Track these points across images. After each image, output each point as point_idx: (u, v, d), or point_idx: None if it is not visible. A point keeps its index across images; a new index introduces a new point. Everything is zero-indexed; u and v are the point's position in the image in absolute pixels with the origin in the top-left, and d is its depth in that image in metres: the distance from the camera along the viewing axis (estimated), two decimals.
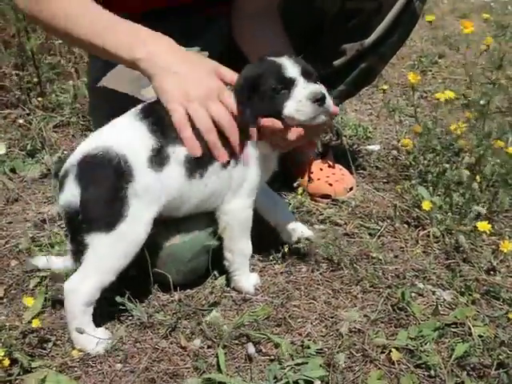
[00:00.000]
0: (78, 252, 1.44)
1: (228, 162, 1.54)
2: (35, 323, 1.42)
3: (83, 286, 1.43)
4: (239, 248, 1.64)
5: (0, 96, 2.72)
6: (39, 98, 2.71)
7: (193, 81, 1.50)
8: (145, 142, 1.46)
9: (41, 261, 1.66)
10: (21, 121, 2.55)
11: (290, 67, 1.52)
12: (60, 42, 3.03)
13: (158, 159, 1.46)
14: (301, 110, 1.49)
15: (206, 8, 1.86)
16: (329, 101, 1.50)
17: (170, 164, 1.47)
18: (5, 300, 1.64)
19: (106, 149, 1.42)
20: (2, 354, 1.32)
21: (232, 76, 1.53)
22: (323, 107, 1.49)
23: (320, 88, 1.51)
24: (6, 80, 2.70)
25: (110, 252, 1.44)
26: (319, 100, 1.48)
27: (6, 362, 1.34)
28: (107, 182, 1.40)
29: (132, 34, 1.52)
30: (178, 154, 1.48)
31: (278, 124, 1.49)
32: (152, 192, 1.45)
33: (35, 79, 2.78)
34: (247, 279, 1.67)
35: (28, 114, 2.58)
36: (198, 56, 1.60)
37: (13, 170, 2.28)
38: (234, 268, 1.66)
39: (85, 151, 1.44)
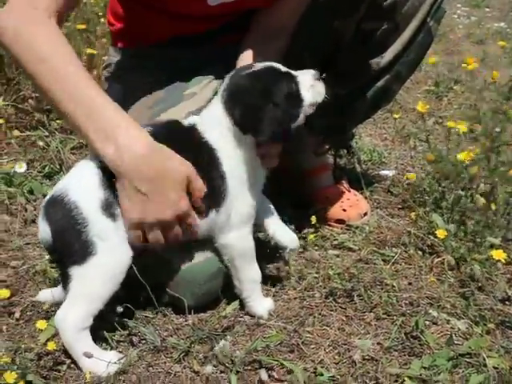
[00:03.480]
0: (66, 282, 1.48)
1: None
2: (51, 346, 1.42)
3: (71, 315, 1.45)
4: (247, 276, 1.65)
5: (20, 118, 2.76)
6: (58, 121, 2.75)
7: (154, 206, 1.44)
8: (96, 192, 1.47)
9: (42, 295, 1.69)
10: (40, 143, 2.59)
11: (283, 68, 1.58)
12: None
13: (110, 211, 1.46)
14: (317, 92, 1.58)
15: (218, 37, 1.89)
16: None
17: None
18: (21, 322, 1.66)
19: (65, 193, 1.46)
20: (16, 376, 1.33)
21: (201, 188, 1.50)
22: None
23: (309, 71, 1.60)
24: (25, 103, 2.74)
25: (89, 283, 1.47)
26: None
27: None
28: (65, 224, 1.45)
29: (111, 124, 1.42)
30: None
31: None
32: (117, 235, 1.47)
33: None
34: (260, 304, 1.67)
35: (47, 136, 2.62)
36: (168, 163, 1.46)
37: (31, 192, 2.30)
38: (245, 295, 1.66)
39: (51, 193, 1.50)
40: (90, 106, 1.41)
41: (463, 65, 2.12)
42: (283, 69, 1.59)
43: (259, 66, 1.58)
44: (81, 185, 1.49)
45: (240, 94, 1.55)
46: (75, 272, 1.46)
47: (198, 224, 1.53)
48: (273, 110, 1.52)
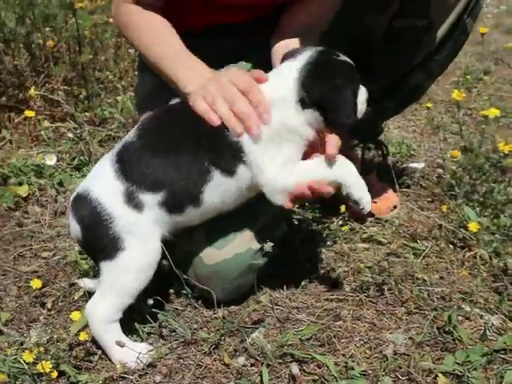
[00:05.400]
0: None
1: (229, 171, 1.49)
2: (82, 336, 1.44)
3: (101, 306, 1.47)
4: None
5: (50, 110, 2.79)
6: (87, 113, 2.77)
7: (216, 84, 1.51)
8: (115, 185, 1.46)
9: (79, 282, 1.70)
10: (69, 134, 2.61)
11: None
12: (107, 57, 3.11)
13: (133, 202, 1.46)
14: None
15: (254, 28, 1.87)
16: None
17: (147, 207, 1.47)
18: (52, 312, 1.67)
19: (87, 190, 1.48)
20: (50, 366, 1.35)
21: (260, 100, 1.47)
22: None
23: None
24: (55, 94, 2.76)
25: (120, 277, 1.48)
26: None
27: (54, 374, 1.36)
28: (92, 221, 1.46)
29: (191, 70, 1.58)
30: (149, 198, 1.47)
31: None
32: (144, 228, 1.47)
33: (83, 93, 2.85)
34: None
35: (76, 128, 2.64)
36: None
37: (60, 183, 2.32)
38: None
39: (76, 191, 1.52)
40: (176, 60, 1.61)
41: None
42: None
43: (341, 56, 1.54)
44: (101, 181, 1.49)
45: (326, 72, 1.49)
46: (106, 266, 1.47)
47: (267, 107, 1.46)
48: (352, 96, 1.48)
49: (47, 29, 2.89)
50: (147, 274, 1.49)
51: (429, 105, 2.60)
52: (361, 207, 1.53)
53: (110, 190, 1.46)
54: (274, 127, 1.46)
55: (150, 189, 1.46)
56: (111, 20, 3.20)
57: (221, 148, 1.47)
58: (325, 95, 1.46)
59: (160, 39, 1.65)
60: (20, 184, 2.26)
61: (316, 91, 1.46)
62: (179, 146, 1.49)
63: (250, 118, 1.44)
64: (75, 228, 1.49)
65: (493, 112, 2.12)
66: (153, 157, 1.47)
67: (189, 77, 1.56)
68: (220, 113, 1.46)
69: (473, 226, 1.82)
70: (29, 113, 2.47)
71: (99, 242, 1.46)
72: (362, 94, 1.55)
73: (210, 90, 1.49)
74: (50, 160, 2.32)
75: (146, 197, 1.46)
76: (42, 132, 2.60)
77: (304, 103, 1.46)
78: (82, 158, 2.47)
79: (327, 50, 1.53)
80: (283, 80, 1.49)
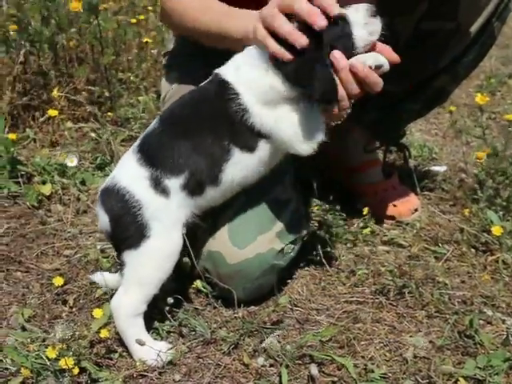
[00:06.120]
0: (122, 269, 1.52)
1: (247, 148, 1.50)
2: (103, 333, 1.45)
3: (125, 299, 1.48)
4: None
5: (73, 110, 2.81)
6: (109, 113, 2.79)
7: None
8: (140, 171, 1.49)
9: (97, 277, 1.70)
10: (92, 134, 2.64)
11: None
12: (129, 58, 3.14)
13: (160, 187, 1.48)
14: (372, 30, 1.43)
15: None
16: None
17: (172, 191, 1.49)
18: (74, 309, 1.69)
19: (115, 181, 1.51)
20: (72, 362, 1.36)
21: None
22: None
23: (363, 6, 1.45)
24: (77, 95, 2.79)
25: (144, 266, 1.49)
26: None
27: (76, 371, 1.38)
28: (121, 210, 1.48)
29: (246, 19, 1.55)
30: (174, 181, 1.49)
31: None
32: (171, 216, 1.49)
33: (106, 94, 2.88)
34: None
35: (98, 128, 2.66)
36: None
37: (83, 182, 2.35)
38: None
39: (104, 184, 1.55)
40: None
41: None
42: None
43: None
44: (127, 170, 1.52)
45: None
46: (130, 256, 1.49)
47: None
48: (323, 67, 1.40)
49: (72, 29, 2.91)
50: (171, 263, 1.51)
51: (452, 108, 2.57)
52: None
53: (137, 178, 1.49)
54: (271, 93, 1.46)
55: (173, 172, 1.48)
56: (134, 20, 3.24)
57: (238, 126, 1.48)
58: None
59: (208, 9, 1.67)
60: (44, 183, 2.29)
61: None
62: (198, 128, 1.51)
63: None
64: (103, 219, 1.51)
65: None
66: (172, 140, 1.50)
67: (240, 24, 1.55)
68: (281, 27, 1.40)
69: (496, 230, 1.80)
70: (52, 112, 2.50)
71: (126, 231, 1.48)
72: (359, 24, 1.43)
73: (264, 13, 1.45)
74: (71, 162, 2.34)
75: (170, 181, 1.48)
76: (65, 132, 2.62)
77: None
78: (103, 157, 2.49)
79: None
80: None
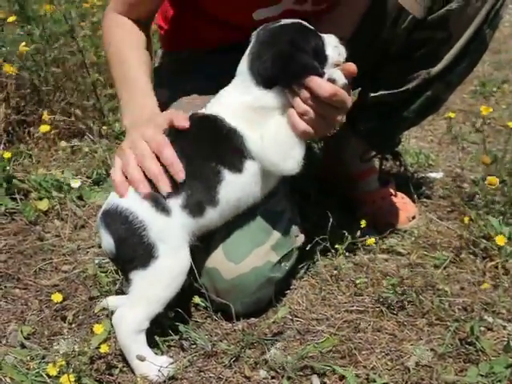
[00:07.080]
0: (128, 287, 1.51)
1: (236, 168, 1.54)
2: (103, 349, 1.44)
3: (130, 315, 1.47)
4: None
5: (68, 125, 2.81)
6: (104, 127, 2.79)
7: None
8: (141, 193, 1.49)
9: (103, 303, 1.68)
10: (86, 149, 2.64)
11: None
12: None
13: (160, 206, 1.48)
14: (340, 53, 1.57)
15: None
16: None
17: (173, 211, 1.49)
18: (73, 325, 1.68)
19: (116, 202, 1.50)
20: (73, 379, 1.35)
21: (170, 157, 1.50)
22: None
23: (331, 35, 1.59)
24: (71, 109, 2.80)
25: (153, 286, 1.48)
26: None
27: None
28: (126, 232, 1.47)
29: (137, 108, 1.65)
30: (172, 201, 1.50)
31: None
32: (174, 232, 1.49)
33: (98, 108, 2.88)
34: None
35: (94, 143, 2.66)
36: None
37: (80, 197, 2.34)
38: None
39: (104, 206, 1.54)
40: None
41: None
42: (310, 26, 1.58)
43: (286, 21, 1.57)
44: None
45: (267, 45, 1.54)
46: (138, 276, 1.48)
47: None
48: (302, 56, 1.50)
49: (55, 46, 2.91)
50: (179, 282, 1.50)
51: (451, 115, 2.57)
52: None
53: (137, 198, 1.48)
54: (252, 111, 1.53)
55: (171, 192, 1.48)
56: None
57: (225, 148, 1.53)
58: (268, 70, 1.51)
59: (126, 64, 1.71)
60: (40, 199, 2.28)
61: (263, 65, 1.52)
62: (189, 150, 1.52)
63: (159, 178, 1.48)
64: (108, 242, 1.50)
65: None
66: None
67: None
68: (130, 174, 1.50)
69: (500, 240, 1.79)
70: (43, 128, 2.51)
71: (133, 252, 1.47)
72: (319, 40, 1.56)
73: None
74: (75, 183, 2.34)
75: (169, 200, 1.48)
76: (60, 152, 2.63)
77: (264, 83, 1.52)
78: (99, 171, 2.49)
79: (275, 23, 1.58)
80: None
